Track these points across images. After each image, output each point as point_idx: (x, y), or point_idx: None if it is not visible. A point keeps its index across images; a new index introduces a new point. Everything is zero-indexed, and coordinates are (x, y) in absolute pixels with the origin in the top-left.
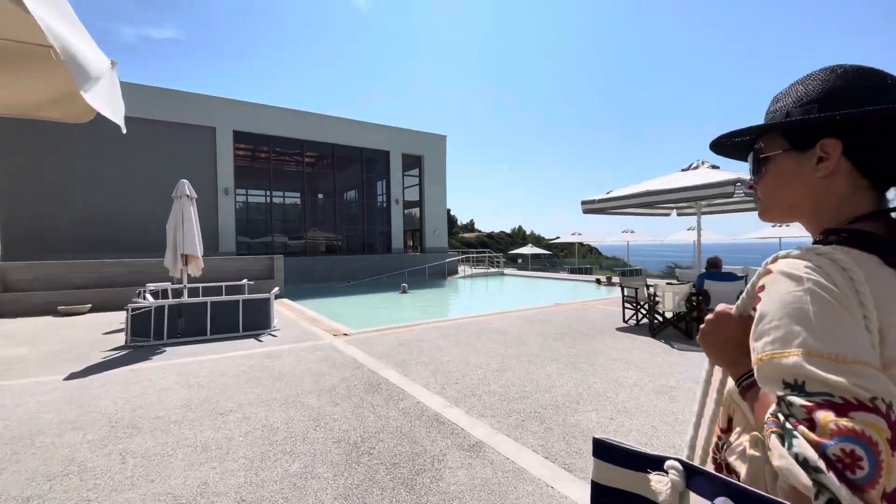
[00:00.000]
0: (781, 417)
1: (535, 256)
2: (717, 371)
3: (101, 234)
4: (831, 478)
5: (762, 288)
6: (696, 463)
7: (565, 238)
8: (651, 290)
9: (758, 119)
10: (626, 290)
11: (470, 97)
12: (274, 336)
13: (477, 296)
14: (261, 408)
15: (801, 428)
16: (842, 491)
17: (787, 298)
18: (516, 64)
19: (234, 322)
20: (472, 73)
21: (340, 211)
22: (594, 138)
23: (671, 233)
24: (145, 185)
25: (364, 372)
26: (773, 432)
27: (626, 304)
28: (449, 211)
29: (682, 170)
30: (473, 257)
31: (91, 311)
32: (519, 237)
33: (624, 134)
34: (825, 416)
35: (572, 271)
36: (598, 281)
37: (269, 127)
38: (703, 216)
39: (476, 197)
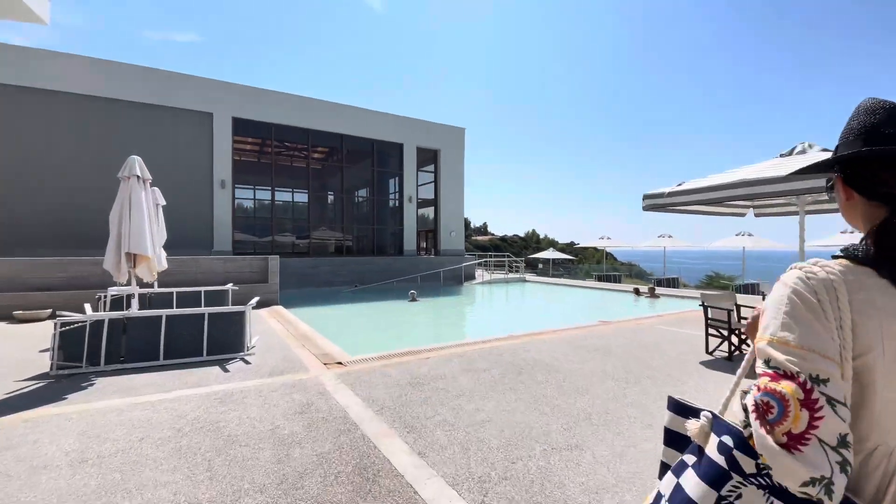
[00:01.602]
0: (754, 381)
1: (556, 262)
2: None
3: (77, 229)
4: (752, 416)
5: (773, 290)
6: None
7: (588, 242)
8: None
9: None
10: (710, 311)
11: (481, 97)
12: (247, 363)
13: (499, 307)
14: None
15: (754, 387)
16: (755, 424)
17: (774, 300)
18: (528, 68)
19: (196, 343)
20: (484, 75)
21: (349, 209)
22: (609, 144)
23: (715, 238)
24: None
25: (356, 442)
26: (743, 391)
27: (712, 331)
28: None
29: (781, 155)
30: (492, 261)
31: (53, 316)
32: (533, 241)
33: (640, 141)
34: (763, 380)
35: (599, 279)
36: (636, 291)
37: (272, 114)
38: (804, 215)
39: (488, 199)
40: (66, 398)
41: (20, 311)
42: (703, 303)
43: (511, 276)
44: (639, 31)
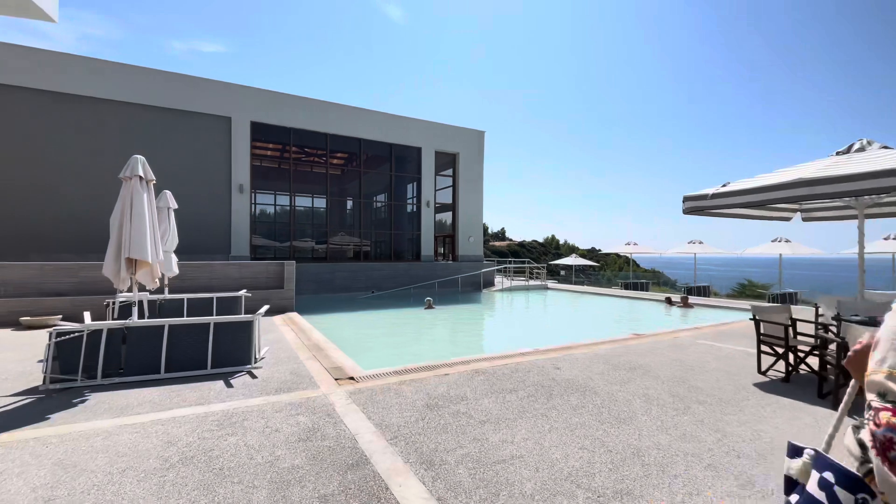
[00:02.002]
0: (867, 414)
1: (578, 269)
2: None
3: (95, 235)
4: (872, 452)
5: (887, 319)
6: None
7: (612, 248)
8: (835, 332)
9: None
10: (762, 325)
11: (499, 99)
12: (254, 377)
13: (521, 316)
14: None
15: (870, 422)
16: (875, 460)
17: (890, 331)
18: (544, 66)
19: (200, 354)
20: (497, 76)
21: (367, 214)
22: (629, 146)
23: (741, 245)
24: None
25: (365, 481)
26: (853, 425)
27: (766, 348)
28: None
29: (838, 153)
30: (511, 268)
31: (84, 319)
32: (552, 247)
33: (652, 146)
34: (885, 415)
35: (626, 286)
36: (668, 301)
37: (291, 119)
38: (863, 219)
39: (505, 204)
40: (49, 418)
41: (27, 318)
42: (754, 316)
43: (532, 282)
44: (657, 32)
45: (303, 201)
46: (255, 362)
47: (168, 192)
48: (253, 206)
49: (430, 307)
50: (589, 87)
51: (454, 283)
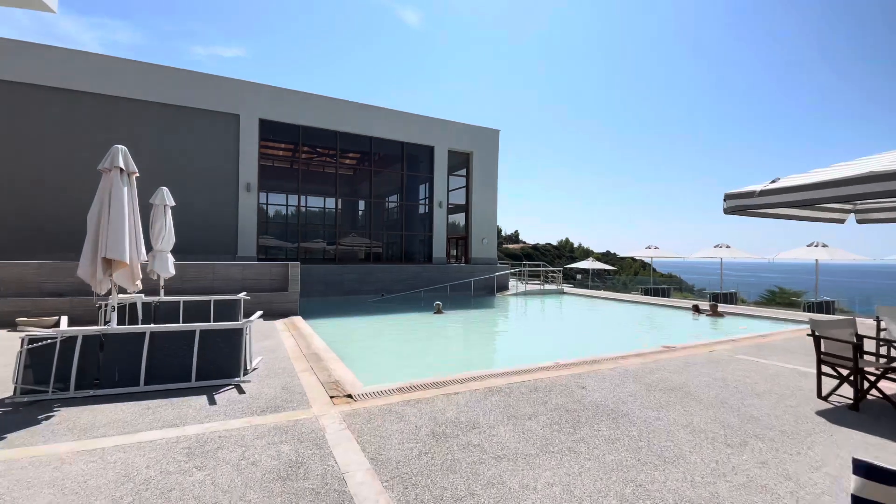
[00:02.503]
0: None
1: (595, 273)
2: None
3: None
4: None
5: None
6: None
7: (630, 252)
8: None
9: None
10: (823, 343)
11: (514, 99)
12: (241, 391)
13: (537, 323)
14: None
15: None
16: None
17: None
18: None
19: (185, 365)
20: (512, 75)
21: (377, 214)
22: (645, 147)
23: (780, 250)
24: (157, 177)
25: None
26: None
27: (826, 368)
28: None
29: None
30: (526, 271)
31: (59, 324)
32: (566, 250)
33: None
34: None
35: (646, 292)
36: (695, 308)
37: (300, 116)
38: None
39: (519, 206)
40: (6, 437)
41: (23, 319)
42: (813, 332)
43: (548, 287)
44: (671, 30)
45: (315, 202)
46: (246, 374)
47: (165, 189)
48: (265, 206)
49: (439, 312)
50: (603, 87)
51: (467, 287)
